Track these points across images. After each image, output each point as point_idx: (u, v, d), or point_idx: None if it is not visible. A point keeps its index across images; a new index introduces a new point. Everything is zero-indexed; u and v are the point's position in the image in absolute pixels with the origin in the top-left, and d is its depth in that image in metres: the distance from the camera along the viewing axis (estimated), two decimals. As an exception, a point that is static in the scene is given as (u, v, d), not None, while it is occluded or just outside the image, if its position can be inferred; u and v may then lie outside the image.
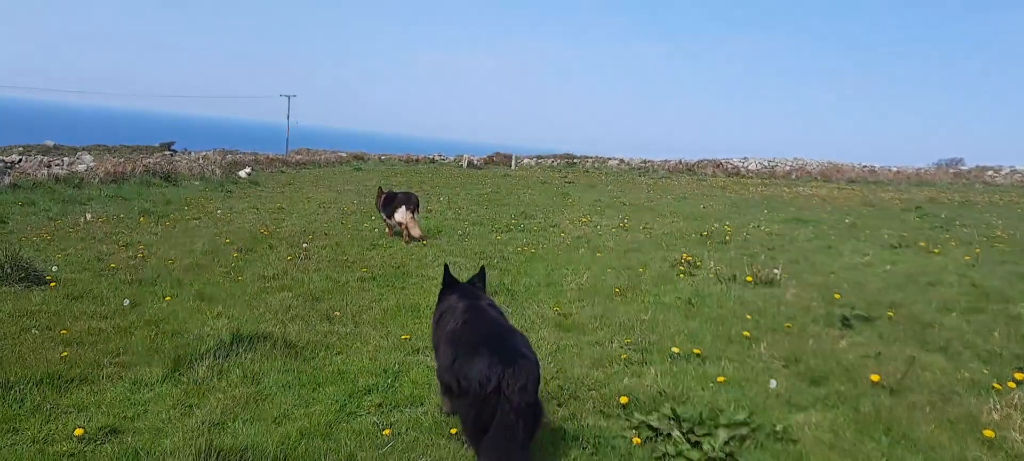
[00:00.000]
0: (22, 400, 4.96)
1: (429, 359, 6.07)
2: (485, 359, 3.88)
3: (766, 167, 51.48)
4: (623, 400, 5.09)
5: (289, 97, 78.35)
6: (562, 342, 6.61)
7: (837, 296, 8.39)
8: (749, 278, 9.14)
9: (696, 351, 6.30)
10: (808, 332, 7.06)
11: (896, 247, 12.86)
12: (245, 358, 5.85)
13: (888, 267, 10.62)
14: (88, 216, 14.49)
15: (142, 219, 14.63)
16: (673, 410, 4.66)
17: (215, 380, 5.45)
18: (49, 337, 6.41)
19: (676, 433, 4.50)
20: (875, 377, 5.58)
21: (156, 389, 5.30)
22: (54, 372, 5.43)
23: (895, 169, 48.87)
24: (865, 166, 50.22)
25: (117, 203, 17.29)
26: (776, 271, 9.35)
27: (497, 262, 10.62)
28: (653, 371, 5.80)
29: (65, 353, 5.94)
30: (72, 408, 4.93)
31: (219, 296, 8.08)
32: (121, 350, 6.13)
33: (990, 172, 44.81)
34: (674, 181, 38.03)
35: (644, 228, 15.29)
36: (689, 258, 10.77)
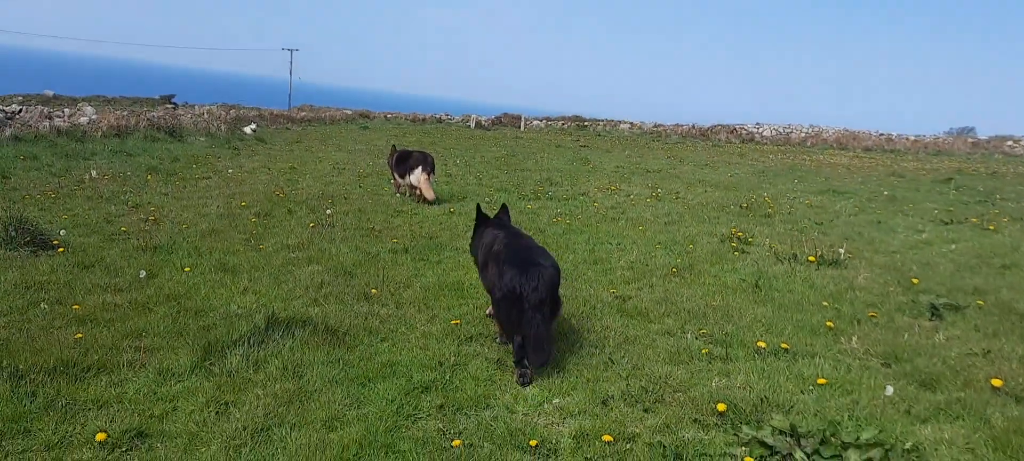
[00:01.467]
0: (34, 394, 4.30)
1: (487, 351, 5.43)
2: (511, 272, 5.13)
3: (781, 133, 50.62)
4: (720, 407, 4.44)
5: (292, 51, 77.10)
6: (629, 332, 5.94)
7: (915, 281, 7.71)
8: (811, 257, 8.47)
9: (784, 345, 5.64)
10: (896, 323, 6.40)
11: (947, 223, 12.17)
12: (283, 346, 5.19)
13: (952, 246, 9.94)
14: (93, 173, 13.78)
15: (149, 177, 13.92)
16: (792, 426, 4.01)
17: (251, 372, 4.79)
18: (60, 314, 5.75)
19: (798, 454, 3.85)
20: (996, 382, 4.93)
21: (185, 381, 4.65)
22: (69, 359, 4.77)
23: (912, 138, 47.97)
24: (882, 134, 49.33)
25: (122, 159, 16.55)
26: (841, 251, 8.67)
27: (534, 234, 9.91)
28: (741, 370, 5.14)
29: (79, 334, 5.28)
30: (91, 404, 4.27)
31: (243, 267, 7.40)
32: (141, 331, 5.47)
33: (1009, 142, 43.94)
34: (690, 147, 37.24)
35: (677, 198, 14.58)
36: (739, 233, 10.09)
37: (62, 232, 8.16)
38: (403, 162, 12.85)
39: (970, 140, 46.47)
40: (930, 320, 6.45)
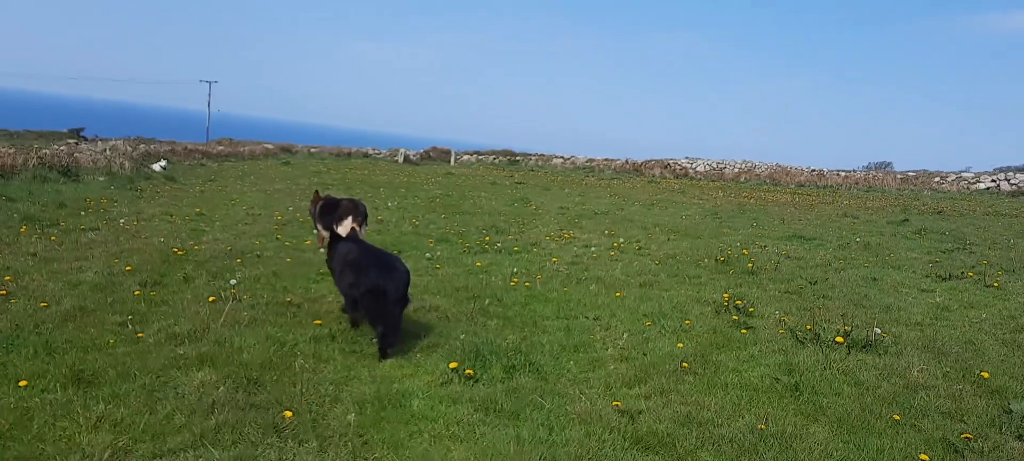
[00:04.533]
0: None
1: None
2: (374, 272, 6.33)
3: (714, 169, 50.33)
4: None
5: (210, 83, 73.82)
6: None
7: (985, 375, 6.17)
8: (839, 338, 6.90)
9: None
10: (1004, 451, 4.80)
11: (945, 279, 10.87)
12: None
13: (980, 314, 8.55)
14: (-51, 226, 11.35)
15: (23, 229, 11.55)
16: None
17: None
18: None
19: None
20: None
21: None
22: None
23: (842, 173, 48.22)
24: (813, 169, 49.46)
25: (-2, 205, 14.05)
26: (877, 330, 7.14)
27: (491, 306, 8.10)
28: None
29: None
30: None
31: (106, 375, 5.33)
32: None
33: (936, 178, 44.37)
34: (627, 183, 36.17)
35: (641, 249, 13.00)
36: (737, 301, 8.53)
37: None
38: (329, 212, 10.86)
39: (898, 176, 46.82)
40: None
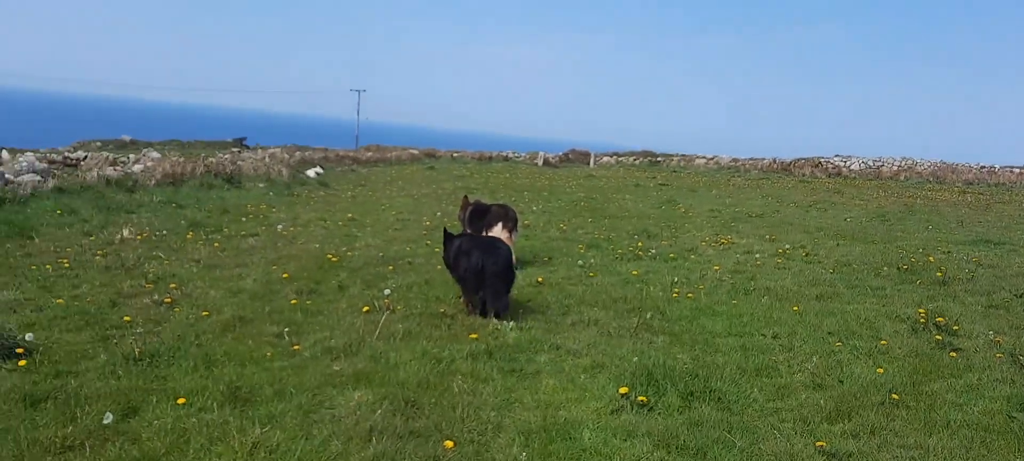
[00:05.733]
0: None
1: None
2: (477, 254, 7.49)
3: (870, 167, 47.01)
4: None
5: (359, 92, 76.69)
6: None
7: None
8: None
9: None
10: None
11: None
12: None
13: None
14: (125, 232, 11.89)
15: (190, 235, 12.00)
16: None
17: None
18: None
19: None
20: None
21: None
22: None
23: (1016, 169, 43.80)
24: (982, 166, 45.27)
25: (168, 211, 14.78)
26: None
27: (654, 320, 7.48)
28: None
29: None
30: None
31: (263, 392, 5.16)
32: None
33: None
34: (776, 183, 34.25)
35: (808, 256, 11.94)
36: (925, 314, 7.49)
37: (28, 336, 6.04)
38: (479, 218, 10.60)
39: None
40: None
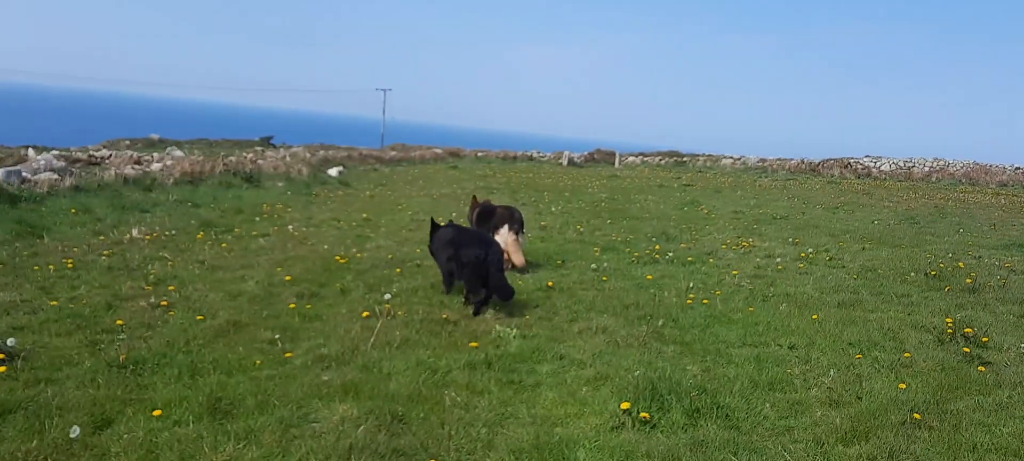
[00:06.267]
0: None
1: None
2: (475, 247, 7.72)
3: (900, 168, 46.00)
4: None
5: (385, 91, 76.81)
6: None
7: None
8: None
9: None
10: None
11: None
12: None
13: None
14: (135, 232, 11.78)
15: (200, 234, 11.86)
16: None
17: None
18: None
19: None
20: None
21: None
22: None
23: (1055, 171, 42.65)
24: (1017, 167, 44.16)
25: (182, 211, 14.68)
26: None
27: (666, 328, 7.15)
28: None
29: None
30: None
31: (243, 405, 4.91)
32: None
33: None
34: (804, 184, 33.57)
35: (832, 260, 11.50)
36: (953, 324, 7.08)
37: (11, 341, 5.84)
38: (485, 220, 10.44)
39: None
40: None
